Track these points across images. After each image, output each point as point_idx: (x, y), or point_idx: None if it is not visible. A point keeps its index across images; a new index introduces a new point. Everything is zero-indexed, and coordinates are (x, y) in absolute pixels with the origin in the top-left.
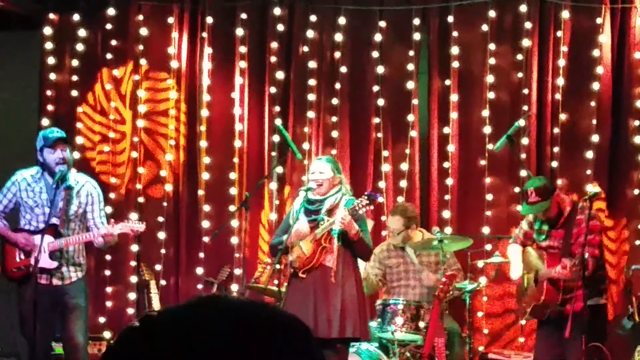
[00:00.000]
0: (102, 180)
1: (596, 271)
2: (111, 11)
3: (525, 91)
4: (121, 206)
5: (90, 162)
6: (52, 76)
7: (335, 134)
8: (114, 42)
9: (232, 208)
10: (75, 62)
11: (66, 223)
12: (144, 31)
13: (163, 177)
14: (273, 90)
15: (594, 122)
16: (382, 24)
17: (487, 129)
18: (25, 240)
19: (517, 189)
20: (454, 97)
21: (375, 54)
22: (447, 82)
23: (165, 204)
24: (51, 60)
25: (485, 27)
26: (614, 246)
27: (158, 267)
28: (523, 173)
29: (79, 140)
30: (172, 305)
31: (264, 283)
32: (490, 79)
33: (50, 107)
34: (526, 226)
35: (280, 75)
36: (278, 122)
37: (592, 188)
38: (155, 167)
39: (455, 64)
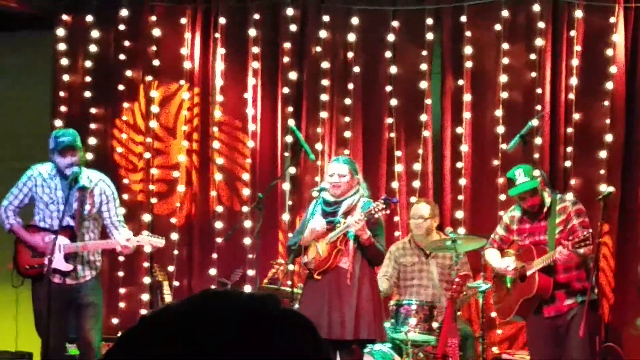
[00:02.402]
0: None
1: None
2: (124, 12)
3: (539, 91)
4: (135, 207)
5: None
6: (65, 77)
7: (348, 134)
8: (127, 43)
9: (245, 209)
10: (88, 63)
11: (80, 223)
12: (156, 32)
13: (176, 177)
14: (286, 90)
15: (608, 121)
16: (395, 23)
17: (501, 129)
18: (43, 244)
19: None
20: (467, 97)
21: (388, 54)
22: (460, 82)
23: (178, 204)
24: (64, 61)
25: (498, 27)
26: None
27: (171, 268)
28: (536, 173)
29: (92, 141)
30: (177, 300)
31: (278, 282)
32: (503, 78)
33: (63, 108)
34: (502, 231)
35: (293, 75)
36: (291, 122)
37: (605, 188)
38: (168, 168)
39: (469, 64)
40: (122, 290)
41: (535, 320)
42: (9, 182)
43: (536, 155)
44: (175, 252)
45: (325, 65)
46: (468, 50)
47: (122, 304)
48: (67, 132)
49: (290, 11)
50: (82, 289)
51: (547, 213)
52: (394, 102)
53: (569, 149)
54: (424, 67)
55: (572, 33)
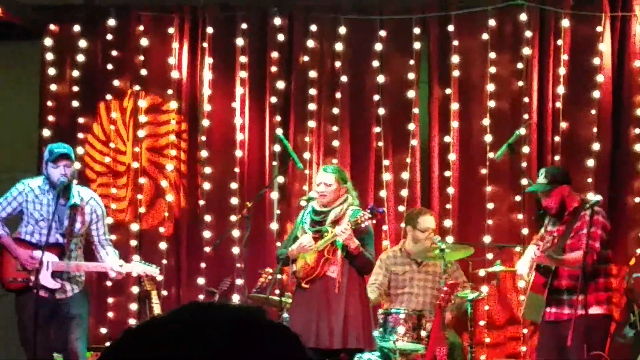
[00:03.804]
0: (103, 191)
1: (596, 276)
2: (111, 22)
3: (526, 100)
4: (122, 217)
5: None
6: (53, 87)
7: (336, 143)
8: (114, 53)
9: (233, 218)
10: (75, 73)
11: (70, 241)
12: (144, 41)
13: (164, 187)
14: (274, 99)
15: (595, 130)
16: (382, 33)
17: (488, 138)
18: (29, 260)
19: (518, 198)
20: (454, 106)
21: (375, 63)
22: (448, 91)
23: (166, 214)
24: (52, 71)
25: (485, 36)
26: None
27: (159, 277)
28: (524, 181)
29: (80, 151)
30: (163, 313)
31: (266, 291)
32: (490, 87)
33: (51, 118)
34: (542, 229)
35: (280, 84)
36: (279, 131)
37: (593, 196)
38: (155, 178)
39: (456, 73)
40: (110, 300)
41: (542, 323)
42: None
43: (524, 164)
44: (164, 261)
45: (312, 74)
46: (455, 59)
47: (110, 314)
48: (62, 145)
49: (277, 21)
50: (68, 303)
51: (570, 217)
52: (381, 111)
53: (557, 158)
54: (411, 76)
55: (559, 42)
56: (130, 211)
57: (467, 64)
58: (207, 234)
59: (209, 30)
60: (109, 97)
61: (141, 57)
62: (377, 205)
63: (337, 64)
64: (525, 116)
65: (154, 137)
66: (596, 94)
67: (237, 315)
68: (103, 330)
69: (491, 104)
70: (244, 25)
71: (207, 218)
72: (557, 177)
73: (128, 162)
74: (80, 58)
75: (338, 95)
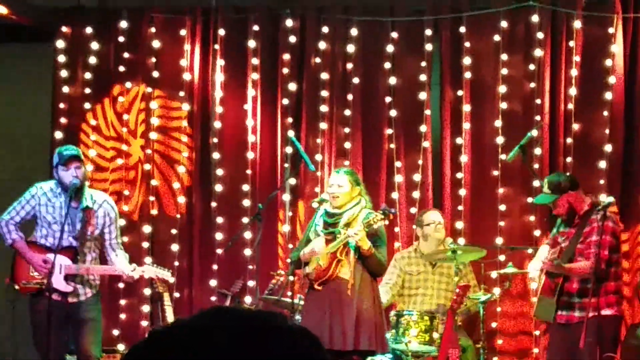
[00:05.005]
0: (115, 192)
1: (607, 279)
2: (123, 24)
3: (538, 101)
4: (134, 219)
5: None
6: (65, 89)
7: (347, 145)
8: (126, 55)
9: (245, 220)
10: (88, 75)
11: (83, 244)
12: (156, 43)
13: (176, 189)
14: (285, 101)
15: (607, 131)
16: (394, 34)
17: (500, 139)
18: (41, 265)
19: (530, 199)
20: (466, 108)
21: (387, 65)
22: (460, 93)
23: (178, 216)
24: (64, 73)
25: (497, 37)
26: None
27: (171, 279)
28: (536, 183)
29: (92, 153)
30: (182, 317)
31: (278, 293)
32: (502, 89)
33: (63, 120)
34: (555, 230)
35: (292, 86)
36: (291, 133)
37: (605, 198)
38: (168, 180)
39: (468, 75)
40: (122, 302)
41: (553, 326)
42: (8, 193)
43: (536, 166)
44: (176, 263)
45: (324, 76)
46: (467, 61)
47: (122, 316)
48: (70, 147)
49: (289, 22)
50: (81, 306)
51: (580, 219)
52: (393, 113)
53: (569, 159)
54: (423, 77)
55: (571, 43)
56: (141, 213)
57: (478, 65)
58: (219, 236)
59: (221, 32)
60: (121, 99)
61: (153, 59)
62: (389, 206)
63: (349, 65)
64: (537, 118)
65: (165, 138)
66: (608, 95)
67: (248, 320)
68: (115, 332)
69: (503, 105)
70: (256, 27)
71: (219, 220)
72: (560, 186)
73: (139, 163)
74: (93, 60)
75: (350, 97)
